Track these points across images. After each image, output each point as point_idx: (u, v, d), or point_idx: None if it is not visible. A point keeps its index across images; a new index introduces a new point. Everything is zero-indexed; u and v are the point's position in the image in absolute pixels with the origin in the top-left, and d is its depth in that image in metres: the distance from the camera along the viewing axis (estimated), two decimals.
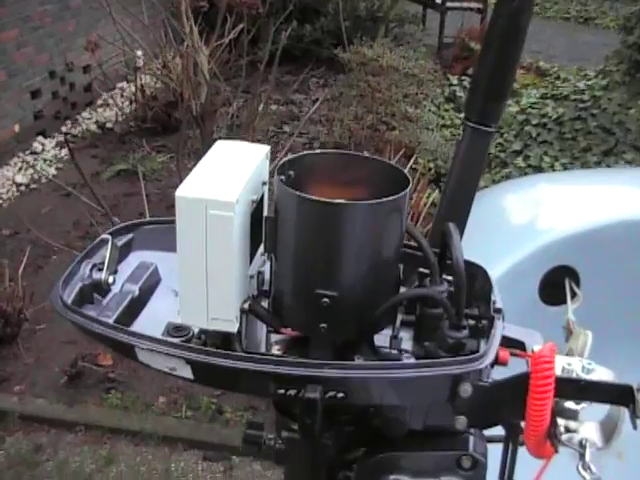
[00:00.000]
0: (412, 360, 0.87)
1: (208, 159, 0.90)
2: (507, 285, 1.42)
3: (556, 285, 1.36)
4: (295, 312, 0.89)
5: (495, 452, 0.93)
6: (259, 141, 5.44)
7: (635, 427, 0.79)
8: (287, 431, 0.97)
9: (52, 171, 5.15)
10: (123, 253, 1.04)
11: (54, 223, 4.43)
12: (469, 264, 0.94)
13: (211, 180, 0.84)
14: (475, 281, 0.96)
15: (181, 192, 0.81)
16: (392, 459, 0.92)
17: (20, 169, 5.08)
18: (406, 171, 0.88)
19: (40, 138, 5.51)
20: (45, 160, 5.29)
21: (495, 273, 1.42)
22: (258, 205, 0.90)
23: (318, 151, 0.92)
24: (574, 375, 0.87)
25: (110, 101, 6.29)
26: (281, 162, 0.88)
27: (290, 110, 6.39)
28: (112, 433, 2.92)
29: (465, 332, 0.85)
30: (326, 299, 0.84)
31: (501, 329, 0.87)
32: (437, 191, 4.34)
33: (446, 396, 0.82)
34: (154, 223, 1.08)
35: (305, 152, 0.92)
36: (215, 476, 2.77)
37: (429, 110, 5.35)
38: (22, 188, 4.89)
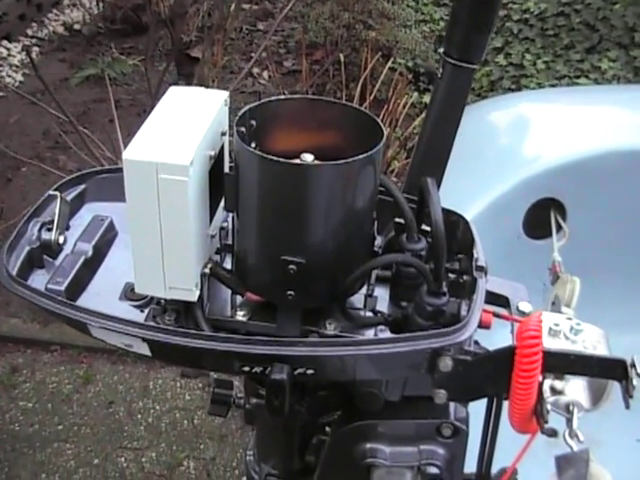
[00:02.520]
0: (387, 334, 0.80)
1: (159, 110, 0.81)
2: (490, 218, 1.36)
3: (541, 218, 1.30)
4: (260, 278, 0.82)
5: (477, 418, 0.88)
6: (232, 40, 5.27)
7: (628, 406, 0.73)
8: (256, 397, 0.92)
9: (19, 77, 4.96)
10: (75, 207, 0.96)
11: (23, 133, 4.28)
12: (449, 213, 0.87)
13: (162, 138, 0.75)
14: (456, 231, 0.89)
15: (129, 154, 0.73)
16: (368, 427, 0.87)
17: None
18: (379, 120, 0.79)
19: (5, 43, 5.28)
20: (11, 66, 5.07)
21: (478, 206, 1.36)
22: (218, 159, 0.81)
23: (282, 97, 0.83)
24: (561, 336, 0.81)
25: (77, 1, 6.02)
26: (241, 112, 0.80)
27: (264, 7, 6.16)
28: (88, 352, 2.88)
29: (444, 299, 0.78)
30: (293, 266, 0.77)
31: (484, 292, 0.80)
32: (416, 93, 4.23)
33: (425, 369, 0.76)
34: (106, 172, 0.99)
35: (267, 99, 0.83)
36: (194, 392, 2.75)
37: (407, 5, 5.16)
38: None
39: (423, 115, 3.22)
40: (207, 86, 4.15)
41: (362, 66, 3.79)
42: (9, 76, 4.94)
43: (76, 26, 5.75)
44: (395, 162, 3.33)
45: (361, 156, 0.73)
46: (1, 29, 5.32)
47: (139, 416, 2.67)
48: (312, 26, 4.78)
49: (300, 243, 0.76)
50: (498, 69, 4.27)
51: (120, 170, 0.97)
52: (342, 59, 3.84)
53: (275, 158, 0.72)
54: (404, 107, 3.65)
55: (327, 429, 0.94)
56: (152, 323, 0.81)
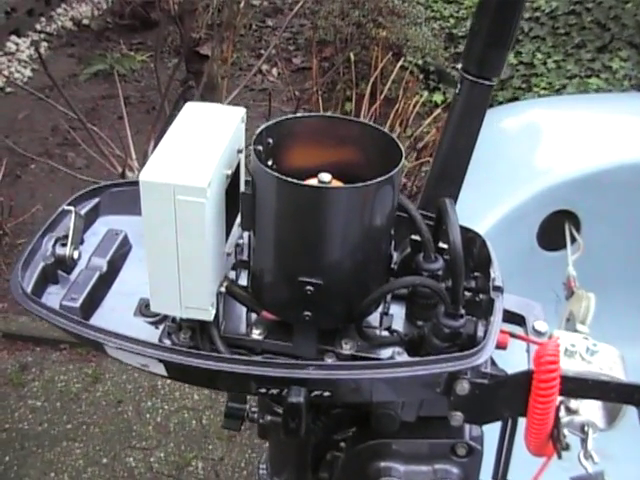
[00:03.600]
0: (404, 355, 0.80)
1: (176, 128, 0.80)
2: (505, 230, 1.35)
3: (556, 230, 1.30)
4: (276, 298, 0.81)
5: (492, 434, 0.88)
6: (241, 37, 5.26)
7: None
8: (270, 414, 0.91)
9: (28, 73, 4.96)
10: (89, 220, 0.96)
11: (31, 129, 4.28)
12: (466, 230, 0.86)
13: (180, 158, 0.75)
14: (473, 248, 0.89)
15: (146, 176, 0.73)
16: (383, 446, 0.87)
17: None
18: (398, 140, 0.79)
19: (13, 37, 5.28)
20: (20, 61, 5.08)
21: (492, 218, 1.35)
22: (234, 176, 0.81)
23: (299, 115, 0.83)
24: (577, 357, 0.81)
25: None
26: (258, 130, 0.79)
27: (273, 4, 6.14)
28: (97, 351, 2.88)
29: (462, 321, 0.78)
30: (310, 287, 0.76)
31: (501, 313, 0.80)
32: (426, 91, 4.22)
33: (441, 391, 0.76)
34: (120, 185, 0.99)
35: (284, 117, 0.82)
36: (202, 392, 2.75)
37: (417, 2, 5.14)
38: None
39: (433, 115, 3.19)
40: (216, 83, 4.16)
41: (372, 64, 3.78)
42: (18, 71, 4.94)
43: (85, 21, 5.75)
44: (406, 162, 3.32)
45: (380, 178, 0.72)
46: (10, 24, 5.32)
47: (147, 416, 2.67)
48: (322, 23, 4.76)
49: (318, 265, 0.76)
50: (507, 66, 4.25)
51: (134, 184, 0.98)
52: (352, 58, 3.82)
53: (294, 181, 0.72)
54: (414, 106, 3.64)
55: (341, 445, 0.94)
56: (168, 344, 0.80)
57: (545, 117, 1.67)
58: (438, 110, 3.67)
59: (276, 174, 0.72)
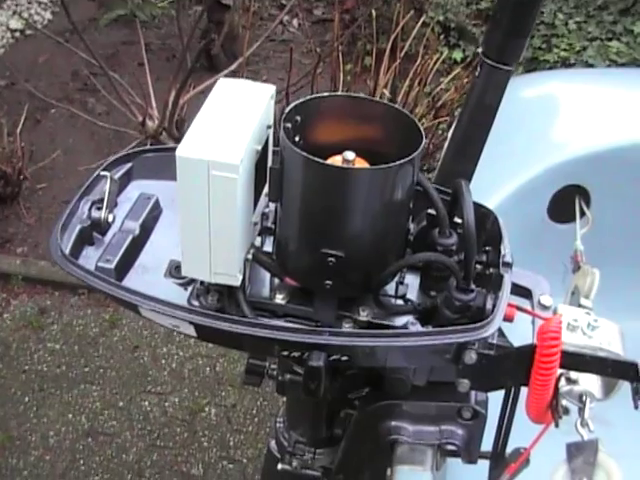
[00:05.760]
0: (417, 325, 0.85)
1: (210, 105, 0.85)
2: (516, 203, 1.40)
3: (566, 203, 1.34)
4: (299, 266, 0.87)
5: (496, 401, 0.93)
6: None
7: (637, 407, 0.79)
8: (289, 373, 0.98)
9: (48, 15, 4.96)
10: (122, 184, 1.01)
11: (52, 73, 4.30)
12: (479, 206, 0.91)
13: (213, 135, 0.80)
14: (485, 224, 0.93)
15: (182, 152, 0.78)
16: (394, 407, 0.93)
17: (14, 13, 4.89)
18: (419, 124, 0.83)
19: None
20: (40, 3, 5.08)
21: (504, 191, 1.40)
22: (263, 151, 0.86)
23: (326, 94, 0.87)
24: (579, 332, 0.87)
25: None
26: (288, 108, 0.84)
27: None
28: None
29: (472, 295, 0.83)
30: (332, 258, 0.82)
31: (509, 289, 0.85)
32: (446, 48, 4.21)
33: (450, 359, 0.82)
34: (153, 151, 1.04)
35: (312, 96, 0.86)
36: None
37: None
38: (17, 35, 4.72)
39: (453, 74, 3.20)
40: (237, 34, 4.16)
41: (394, 20, 3.77)
42: (38, 14, 4.94)
43: None
44: (424, 120, 3.34)
45: (402, 161, 0.77)
46: None
47: (163, 361, 2.76)
48: None
49: (340, 238, 0.81)
50: None
51: (165, 150, 1.03)
52: (373, 13, 3.82)
53: (321, 161, 0.77)
54: (435, 63, 3.64)
55: (355, 403, 1.00)
56: (198, 308, 0.86)
57: (564, 90, 1.70)
58: (458, 69, 3.67)
59: (304, 154, 0.77)
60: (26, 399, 2.61)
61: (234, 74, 3.72)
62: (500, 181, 1.38)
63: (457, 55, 4.25)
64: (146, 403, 2.61)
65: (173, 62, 4.39)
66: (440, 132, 3.46)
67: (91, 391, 2.64)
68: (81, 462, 2.44)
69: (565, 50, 3.97)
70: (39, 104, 3.91)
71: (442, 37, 4.31)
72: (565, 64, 3.97)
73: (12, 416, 2.55)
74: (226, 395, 2.65)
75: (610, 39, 3.97)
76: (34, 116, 3.90)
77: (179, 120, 3.46)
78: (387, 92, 3.34)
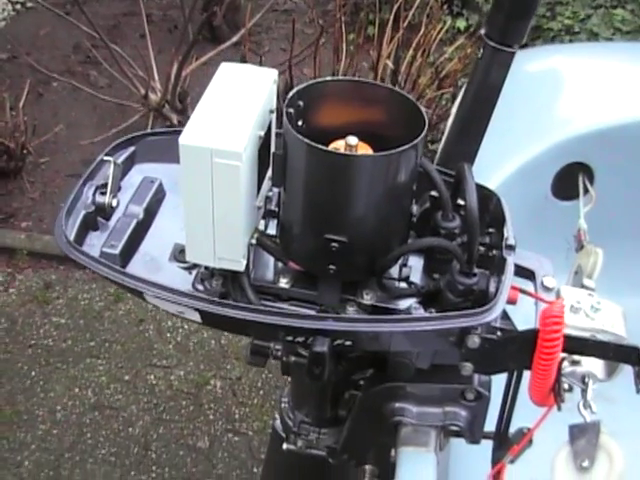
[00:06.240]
0: (420, 309, 0.86)
1: (212, 91, 0.85)
2: (520, 180, 1.40)
3: (570, 181, 1.34)
4: (303, 251, 0.87)
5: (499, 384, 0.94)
6: None
7: (639, 390, 0.79)
8: (294, 355, 0.98)
9: None
10: (126, 168, 1.01)
11: (53, 46, 4.28)
12: (482, 188, 0.91)
13: (216, 122, 0.80)
14: (488, 206, 0.93)
15: (185, 140, 0.77)
16: (398, 388, 0.94)
17: None
18: (422, 107, 0.83)
19: None
20: None
21: (508, 169, 1.40)
22: (266, 136, 0.86)
23: (329, 78, 0.87)
24: (582, 313, 0.87)
25: None
26: (290, 93, 0.84)
27: None
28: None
29: (475, 279, 0.83)
30: (335, 244, 0.82)
31: (512, 272, 0.85)
32: (449, 18, 4.18)
33: (454, 344, 0.82)
34: (156, 134, 1.04)
35: (315, 81, 0.86)
36: None
37: None
38: (18, 7, 4.69)
39: (456, 44, 3.17)
40: (239, 4, 4.13)
41: None
42: None
43: None
44: (427, 91, 3.33)
45: (405, 147, 0.77)
46: None
47: (168, 335, 2.77)
48: None
49: (343, 224, 0.81)
50: None
51: (167, 133, 1.03)
52: None
53: (324, 148, 0.77)
54: (438, 33, 3.61)
55: (360, 384, 1.01)
56: (203, 293, 0.86)
57: (568, 65, 1.68)
58: (461, 39, 3.65)
59: (307, 141, 0.77)
60: (32, 374, 2.63)
61: (236, 45, 3.70)
62: (504, 158, 1.38)
63: (461, 24, 4.22)
64: (152, 377, 2.63)
65: (175, 33, 4.37)
66: (444, 102, 3.44)
67: (97, 365, 2.66)
68: (88, 436, 2.47)
69: (569, 18, 3.94)
70: (41, 77, 3.90)
71: (445, 6, 4.27)
72: (569, 32, 3.94)
73: (19, 391, 2.58)
74: (231, 368, 2.67)
75: (615, 7, 3.93)
76: (36, 90, 3.89)
77: (182, 92, 3.45)
78: (390, 63, 3.32)
